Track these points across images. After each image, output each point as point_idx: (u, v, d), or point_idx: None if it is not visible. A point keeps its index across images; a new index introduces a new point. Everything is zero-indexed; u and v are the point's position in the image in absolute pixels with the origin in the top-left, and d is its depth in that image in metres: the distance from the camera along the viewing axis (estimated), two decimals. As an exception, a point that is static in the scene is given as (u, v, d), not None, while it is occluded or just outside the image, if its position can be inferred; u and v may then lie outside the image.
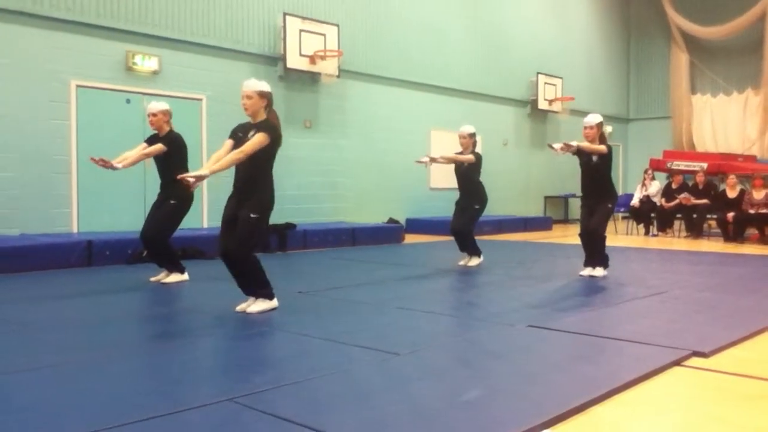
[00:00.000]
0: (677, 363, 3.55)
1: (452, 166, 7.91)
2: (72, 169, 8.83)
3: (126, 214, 9.27)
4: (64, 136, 8.78)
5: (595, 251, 6.83)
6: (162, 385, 3.18)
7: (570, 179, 14.84)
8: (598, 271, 6.82)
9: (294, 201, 11.01)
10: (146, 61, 9.49)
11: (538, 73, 16.21)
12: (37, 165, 8.54)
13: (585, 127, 6.72)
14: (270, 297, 4.93)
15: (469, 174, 7.70)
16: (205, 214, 10.16)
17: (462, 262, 7.81)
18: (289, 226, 9.70)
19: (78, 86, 8.89)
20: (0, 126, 8.26)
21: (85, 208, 8.97)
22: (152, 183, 9.53)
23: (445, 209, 13.88)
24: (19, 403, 2.87)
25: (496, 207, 14.96)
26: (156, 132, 6.44)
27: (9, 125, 8.33)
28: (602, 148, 6.56)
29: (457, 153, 7.83)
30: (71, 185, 8.84)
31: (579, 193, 7.06)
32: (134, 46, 9.42)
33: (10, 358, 3.63)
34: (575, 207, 16.76)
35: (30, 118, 8.49)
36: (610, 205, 6.76)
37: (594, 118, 6.75)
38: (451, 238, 8.08)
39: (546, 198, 16.98)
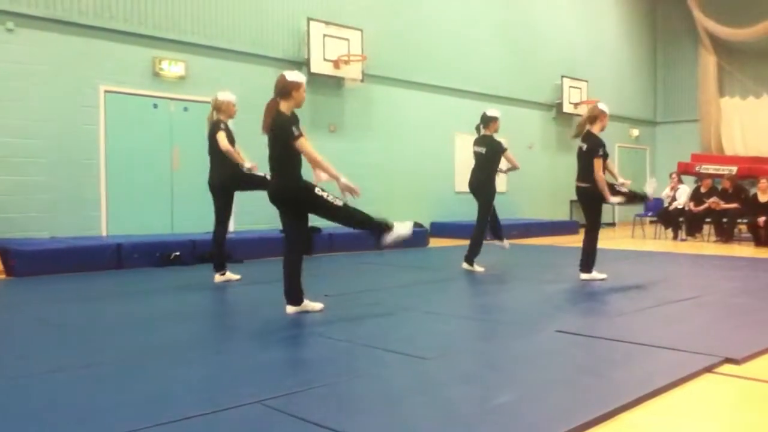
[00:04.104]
0: (709, 370, 3.49)
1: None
2: (101, 173, 8.96)
3: (154, 217, 9.38)
4: (94, 140, 8.91)
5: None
6: (193, 386, 3.20)
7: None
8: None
9: (319, 205, 11.04)
10: (173, 67, 9.61)
11: (563, 76, 16.11)
12: (67, 169, 8.68)
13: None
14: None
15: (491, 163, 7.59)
16: (231, 218, 10.21)
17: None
18: (315, 230, 9.72)
19: (107, 91, 9.03)
20: (33, 131, 8.41)
21: (114, 212, 9.09)
22: (180, 186, 9.64)
23: (471, 213, 13.84)
24: (58, 402, 2.92)
25: (522, 211, 14.90)
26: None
27: (42, 130, 8.48)
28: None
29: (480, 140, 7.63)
30: (100, 189, 8.96)
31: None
32: (161, 51, 9.55)
33: (48, 358, 3.69)
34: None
35: (61, 123, 8.64)
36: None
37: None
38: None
39: (572, 202, 16.84)
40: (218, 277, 6.63)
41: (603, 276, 6.76)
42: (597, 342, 4.12)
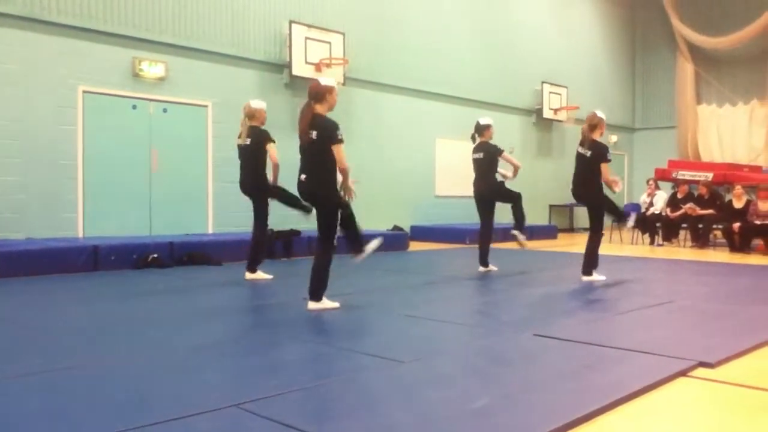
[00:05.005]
0: (683, 373, 3.53)
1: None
2: (78, 174, 8.86)
3: (131, 219, 9.29)
4: (71, 141, 8.82)
5: None
6: (168, 390, 3.18)
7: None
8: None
9: (299, 208, 11.02)
10: (153, 68, 9.54)
11: (543, 82, 16.23)
12: (43, 169, 8.58)
13: None
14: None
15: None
16: (210, 220, 10.17)
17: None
18: (294, 233, 9.71)
19: (85, 92, 8.94)
20: (8, 131, 8.30)
21: (91, 213, 8.99)
22: (158, 188, 9.57)
23: (451, 217, 13.91)
24: (29, 406, 2.88)
25: (500, 215, 14.94)
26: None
27: (17, 130, 8.37)
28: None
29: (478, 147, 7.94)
30: (77, 190, 8.87)
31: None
32: (141, 52, 9.47)
33: (23, 361, 3.64)
34: (580, 216, 16.73)
35: (37, 123, 8.53)
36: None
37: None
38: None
39: (551, 207, 16.97)
40: (248, 275, 6.91)
41: (602, 277, 7.03)
42: (573, 346, 4.14)
